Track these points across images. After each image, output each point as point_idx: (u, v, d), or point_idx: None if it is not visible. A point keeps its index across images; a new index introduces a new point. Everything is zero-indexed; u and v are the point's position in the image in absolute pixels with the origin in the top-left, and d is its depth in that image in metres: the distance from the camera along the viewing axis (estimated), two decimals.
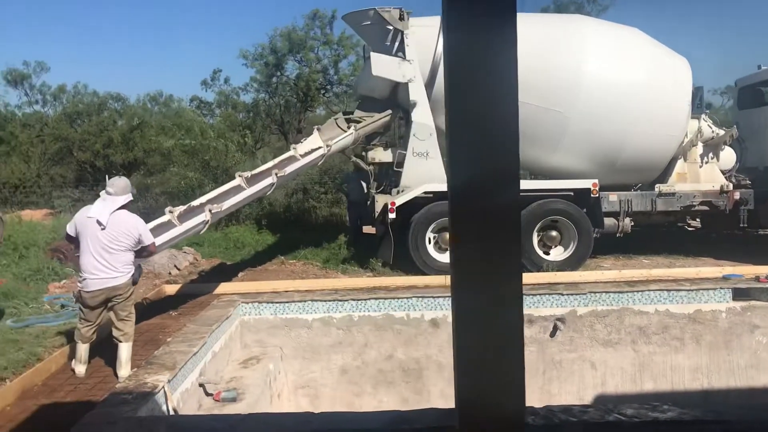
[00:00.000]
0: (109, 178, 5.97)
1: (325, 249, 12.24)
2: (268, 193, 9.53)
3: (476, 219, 1.65)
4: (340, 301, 8.03)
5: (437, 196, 10.09)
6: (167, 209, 7.64)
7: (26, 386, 5.50)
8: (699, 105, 11.23)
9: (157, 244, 6.39)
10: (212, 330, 6.67)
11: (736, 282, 8.52)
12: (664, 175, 11.25)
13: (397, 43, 10.56)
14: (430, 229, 10.21)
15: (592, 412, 3.42)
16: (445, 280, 9.18)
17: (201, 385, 6.07)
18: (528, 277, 8.57)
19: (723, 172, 11.37)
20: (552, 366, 8.09)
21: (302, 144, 10.32)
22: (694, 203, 10.99)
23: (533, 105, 9.70)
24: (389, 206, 10.03)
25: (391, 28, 10.51)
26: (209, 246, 12.85)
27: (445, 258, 10.24)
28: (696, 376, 8.21)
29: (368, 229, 11.50)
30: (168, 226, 7.40)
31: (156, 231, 6.87)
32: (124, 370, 5.67)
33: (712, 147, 11.30)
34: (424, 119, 10.51)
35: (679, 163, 11.23)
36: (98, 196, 5.87)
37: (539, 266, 10.00)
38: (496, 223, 1.64)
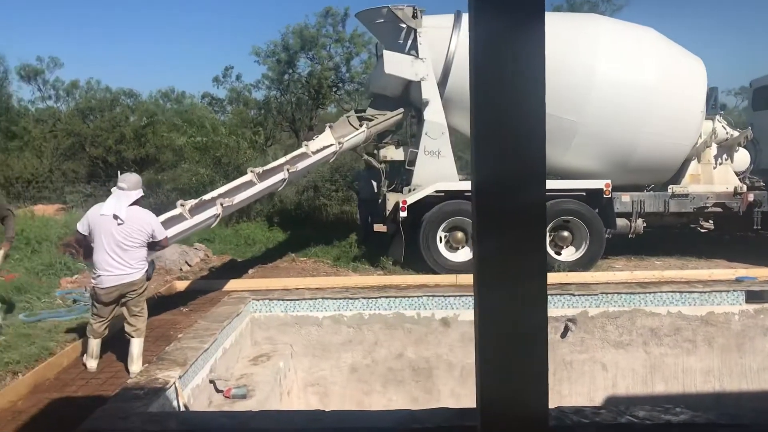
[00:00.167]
0: (120, 174, 5.99)
1: (335, 247, 12.24)
2: (279, 189, 9.55)
3: (501, 218, 1.63)
4: (351, 299, 8.02)
5: (449, 194, 10.07)
6: (179, 202, 7.67)
7: (38, 380, 5.53)
8: (713, 106, 11.14)
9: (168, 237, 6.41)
10: (223, 327, 6.67)
11: (749, 284, 8.45)
12: (677, 176, 11.18)
13: (410, 41, 10.55)
14: (442, 227, 10.18)
15: (604, 413, 3.40)
16: (456, 279, 9.18)
17: (211, 381, 6.07)
18: None
19: (737, 174, 11.28)
20: (563, 367, 8.05)
21: (314, 141, 10.35)
22: (708, 205, 10.91)
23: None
24: (400, 205, 10.01)
25: (404, 26, 10.50)
26: (220, 242, 12.89)
27: (456, 257, 10.23)
28: (708, 378, 8.15)
29: (379, 228, 11.49)
30: (179, 219, 7.44)
31: (167, 224, 6.90)
32: (136, 365, 5.69)
33: (726, 148, 11.21)
34: (437, 118, 10.48)
35: (693, 164, 11.16)
36: (110, 192, 5.89)
37: (551, 266, 9.94)
38: (521, 222, 1.62)
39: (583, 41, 10.33)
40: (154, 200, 14.54)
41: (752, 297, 8.15)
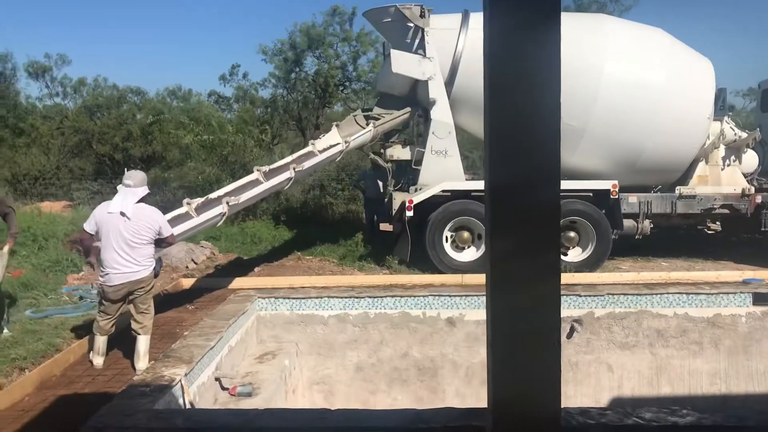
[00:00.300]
0: (127, 171, 6.00)
1: (341, 246, 12.25)
2: (286, 187, 9.55)
3: (515, 218, 1.62)
4: (357, 298, 8.01)
5: (455, 194, 10.07)
6: (185, 201, 7.70)
7: (45, 377, 5.54)
8: (722, 107, 11.06)
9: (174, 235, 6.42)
10: (229, 324, 6.68)
11: (756, 286, 8.40)
12: (684, 178, 11.12)
13: (417, 41, 10.53)
14: (448, 227, 10.16)
15: (610, 415, 3.38)
16: (462, 278, 9.17)
17: (217, 379, 6.08)
18: None
19: (745, 175, 11.22)
20: (568, 368, 8.02)
21: (321, 140, 10.34)
22: (715, 206, 10.86)
23: None
24: (407, 204, 10.01)
25: (411, 25, 10.47)
26: (226, 240, 12.90)
27: (462, 257, 10.22)
28: (714, 380, 8.11)
29: (385, 227, 11.47)
30: (185, 217, 7.46)
31: (173, 222, 6.90)
32: (142, 362, 5.70)
33: (735, 150, 11.15)
34: (444, 117, 10.47)
35: (701, 165, 11.09)
36: (116, 189, 5.90)
37: None
38: (535, 222, 1.61)
39: (590, 42, 10.29)
40: (161, 198, 14.56)
41: (759, 299, 8.11)
